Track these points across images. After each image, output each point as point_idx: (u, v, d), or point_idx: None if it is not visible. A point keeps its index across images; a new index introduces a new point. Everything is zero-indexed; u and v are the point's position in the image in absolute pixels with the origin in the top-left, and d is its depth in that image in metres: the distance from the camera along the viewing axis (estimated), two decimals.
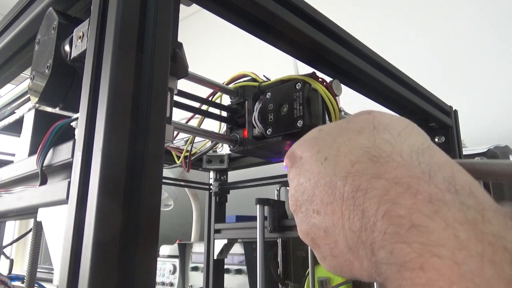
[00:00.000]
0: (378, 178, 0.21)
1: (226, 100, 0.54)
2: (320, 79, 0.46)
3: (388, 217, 0.19)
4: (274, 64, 0.96)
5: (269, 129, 0.46)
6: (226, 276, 1.07)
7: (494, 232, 0.17)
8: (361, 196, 0.21)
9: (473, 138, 1.04)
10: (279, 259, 1.05)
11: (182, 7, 0.35)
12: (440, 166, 0.20)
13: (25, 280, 0.52)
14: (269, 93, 0.47)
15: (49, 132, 0.35)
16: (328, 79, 0.48)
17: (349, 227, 0.22)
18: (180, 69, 0.33)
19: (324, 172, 0.24)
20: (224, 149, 0.94)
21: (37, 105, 0.44)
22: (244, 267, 1.09)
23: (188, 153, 0.58)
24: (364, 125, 0.25)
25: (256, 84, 0.50)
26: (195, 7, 0.38)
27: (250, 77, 0.52)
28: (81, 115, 0.27)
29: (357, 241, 0.21)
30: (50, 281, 1.13)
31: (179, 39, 0.33)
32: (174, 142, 0.63)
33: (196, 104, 0.51)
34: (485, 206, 0.18)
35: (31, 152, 0.43)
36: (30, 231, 0.52)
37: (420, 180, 0.20)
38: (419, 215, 0.18)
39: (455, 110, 0.77)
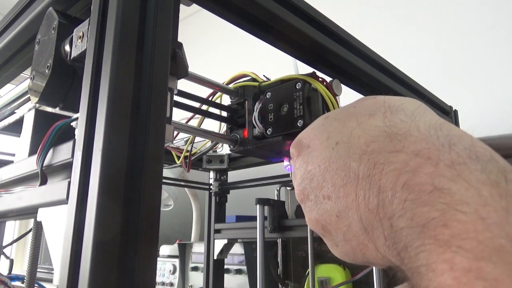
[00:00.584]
0: (396, 153, 0.21)
1: (226, 100, 0.54)
2: (320, 79, 0.46)
3: (408, 187, 0.19)
4: (274, 64, 0.96)
5: (269, 129, 0.46)
6: (226, 276, 1.07)
7: None
8: (378, 173, 0.21)
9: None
10: (279, 259, 1.05)
11: (182, 7, 0.35)
12: (460, 137, 0.20)
13: (25, 280, 0.52)
14: (269, 93, 0.47)
15: (49, 132, 0.35)
16: (328, 79, 0.48)
17: (365, 206, 0.21)
18: (180, 69, 0.33)
19: (336, 156, 0.24)
20: (224, 149, 0.94)
21: (37, 105, 0.44)
22: (244, 267, 1.09)
23: (188, 153, 0.58)
24: (374, 109, 0.25)
25: (256, 84, 0.50)
26: (195, 7, 0.38)
27: (250, 77, 0.52)
28: (81, 115, 0.27)
29: (373, 219, 0.21)
30: (50, 281, 1.13)
31: (179, 39, 0.33)
32: (174, 142, 0.63)
33: (196, 104, 0.51)
34: (507, 169, 0.18)
35: (31, 152, 0.43)
36: (30, 231, 0.52)
37: (440, 151, 0.19)
38: (441, 179, 0.18)
39: (455, 110, 0.77)
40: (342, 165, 0.23)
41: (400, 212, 0.19)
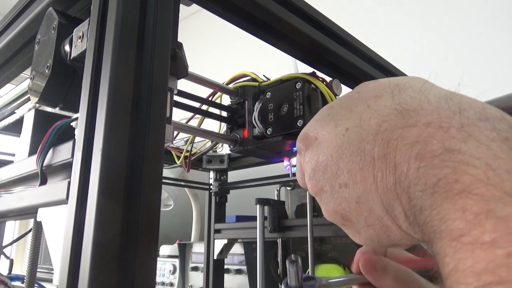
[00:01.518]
0: (409, 127, 0.20)
1: (226, 100, 0.54)
2: (320, 79, 0.46)
3: (420, 155, 0.19)
4: (274, 63, 0.96)
5: (269, 129, 0.46)
6: (226, 276, 1.07)
7: None
8: (392, 150, 0.21)
9: None
10: (279, 259, 1.05)
11: (182, 7, 0.35)
12: (470, 104, 0.20)
13: (25, 280, 0.52)
14: (269, 93, 0.47)
15: (49, 132, 0.35)
16: (327, 79, 0.48)
17: (383, 186, 0.21)
18: (180, 69, 0.33)
19: (348, 142, 0.23)
20: (224, 149, 0.94)
21: (37, 105, 0.44)
22: (244, 267, 1.09)
23: (188, 153, 0.58)
24: (380, 90, 0.24)
25: (256, 84, 0.50)
26: (195, 7, 0.38)
27: (250, 77, 0.52)
28: (81, 115, 0.27)
29: (393, 198, 0.21)
30: (50, 281, 1.13)
31: (179, 39, 0.33)
32: (174, 142, 0.63)
33: (196, 104, 0.51)
34: None
35: (31, 152, 0.43)
36: (30, 231, 0.52)
37: (451, 118, 0.19)
38: (451, 140, 0.18)
39: None
40: (356, 150, 0.23)
41: (414, 181, 0.19)
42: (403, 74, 0.62)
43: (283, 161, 0.54)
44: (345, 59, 0.49)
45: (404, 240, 0.23)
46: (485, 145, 0.17)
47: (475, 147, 0.18)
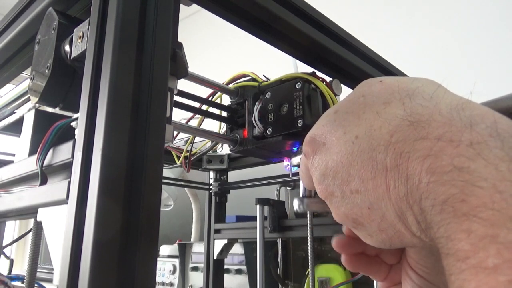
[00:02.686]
0: (421, 140, 0.21)
1: (226, 100, 0.54)
2: (320, 79, 0.46)
3: (430, 170, 0.19)
4: (274, 63, 0.96)
5: (269, 129, 0.46)
6: (226, 276, 1.07)
7: None
8: (405, 162, 0.21)
9: None
10: (279, 259, 1.05)
11: (182, 7, 0.35)
12: (482, 116, 0.20)
13: (25, 280, 0.52)
14: (269, 93, 0.47)
15: (49, 132, 0.35)
16: (327, 79, 0.48)
17: (396, 195, 0.21)
18: (180, 69, 0.33)
19: (358, 150, 0.23)
20: (224, 149, 0.94)
21: (37, 105, 0.44)
22: (244, 267, 1.09)
23: (188, 153, 0.58)
24: (388, 95, 0.24)
25: (256, 84, 0.50)
26: (195, 7, 0.38)
27: (250, 77, 0.52)
28: (81, 115, 0.27)
29: (405, 207, 0.21)
30: (50, 281, 1.13)
31: (179, 39, 0.33)
32: (174, 142, 0.63)
33: (196, 104, 0.51)
34: None
35: (31, 152, 0.43)
36: (30, 231, 0.52)
37: (462, 132, 0.20)
38: (460, 158, 0.19)
39: None
40: (368, 158, 0.23)
41: (425, 195, 0.20)
42: (403, 74, 0.62)
43: (283, 161, 0.54)
44: (345, 59, 0.49)
45: (418, 243, 0.23)
46: (493, 165, 0.18)
47: (483, 166, 0.18)
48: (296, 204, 0.35)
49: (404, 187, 0.21)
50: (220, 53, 2.08)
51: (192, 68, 0.38)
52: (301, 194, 0.33)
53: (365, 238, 0.26)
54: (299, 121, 0.43)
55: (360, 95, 0.26)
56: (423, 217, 0.20)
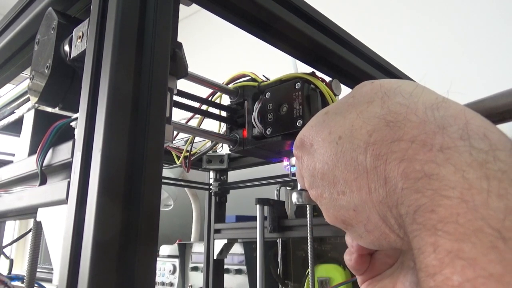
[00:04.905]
0: (397, 141, 0.21)
1: (225, 100, 0.54)
2: (320, 79, 0.46)
3: (405, 175, 0.20)
4: (274, 63, 0.96)
5: (269, 129, 0.46)
6: (226, 276, 1.07)
7: (503, 169, 0.17)
8: (382, 164, 0.21)
9: None
10: (279, 259, 1.05)
11: (181, 7, 0.35)
12: (456, 117, 0.20)
13: (25, 280, 0.52)
14: (269, 93, 0.47)
15: (48, 132, 0.35)
16: (327, 79, 0.48)
17: (377, 198, 0.22)
18: (180, 69, 0.33)
19: (341, 151, 0.23)
20: (224, 149, 0.94)
21: (36, 105, 0.44)
22: (244, 267, 1.09)
23: (188, 153, 0.58)
24: (372, 95, 0.24)
25: (255, 84, 0.50)
26: (194, 7, 0.38)
27: (249, 77, 0.52)
28: (81, 115, 0.27)
29: (386, 210, 0.21)
30: (50, 281, 1.13)
31: (179, 39, 0.33)
32: (174, 142, 0.63)
33: (196, 104, 0.51)
34: (499, 146, 0.18)
35: (31, 152, 0.43)
36: (29, 231, 0.52)
37: (435, 135, 0.20)
38: (431, 165, 0.19)
39: None
40: (350, 160, 0.23)
41: (400, 200, 0.20)
42: (403, 74, 0.62)
43: (282, 161, 0.54)
44: (345, 59, 0.49)
45: (406, 245, 0.23)
46: (461, 171, 0.18)
47: (452, 173, 0.18)
48: (294, 197, 0.35)
49: (383, 190, 0.21)
50: (220, 53, 2.08)
51: (192, 68, 0.38)
52: (299, 187, 0.33)
53: (357, 239, 0.26)
54: (298, 121, 0.43)
55: (350, 96, 0.26)
56: (402, 221, 0.20)
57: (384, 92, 0.24)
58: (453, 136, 0.19)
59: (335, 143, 0.24)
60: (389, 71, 0.58)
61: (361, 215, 0.23)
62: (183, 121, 0.53)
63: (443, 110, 0.21)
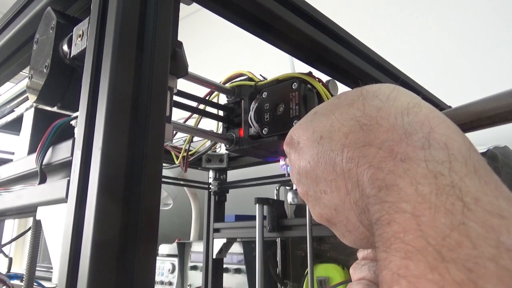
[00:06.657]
0: (368, 146, 0.21)
1: (223, 99, 0.54)
2: (316, 79, 0.46)
3: (371, 182, 0.20)
4: (272, 62, 0.96)
5: (265, 129, 0.46)
6: (225, 275, 1.07)
7: (454, 183, 0.17)
8: (355, 167, 0.21)
9: (472, 138, 1.04)
10: (278, 258, 1.05)
11: (182, 6, 0.35)
12: (422, 123, 0.20)
13: (24, 279, 0.52)
14: (265, 93, 0.48)
15: (48, 131, 0.35)
16: (324, 79, 0.48)
17: (353, 199, 0.22)
18: (180, 68, 0.34)
19: (322, 151, 0.24)
20: (223, 149, 0.94)
21: (35, 104, 0.44)
22: (243, 267, 1.09)
23: (186, 153, 0.58)
24: (354, 97, 0.25)
25: (252, 83, 0.50)
26: (195, 6, 0.38)
27: (246, 77, 0.52)
28: (81, 114, 0.27)
29: (360, 211, 0.22)
30: (49, 279, 1.13)
31: (179, 38, 0.33)
32: (174, 141, 0.63)
33: (193, 103, 0.51)
34: (457, 157, 0.18)
35: (31, 151, 0.43)
36: (29, 229, 0.52)
37: (400, 143, 0.20)
38: (392, 176, 0.19)
39: None
40: (329, 160, 0.23)
41: (367, 207, 0.20)
42: (402, 74, 0.62)
43: (279, 161, 0.54)
44: (345, 59, 0.49)
45: None
46: (417, 184, 0.18)
47: (408, 185, 0.18)
48: (290, 197, 0.35)
49: (357, 193, 0.21)
50: (220, 52, 2.08)
51: (192, 67, 0.38)
52: (295, 187, 0.33)
53: (341, 237, 0.26)
54: (295, 121, 0.43)
55: (336, 98, 0.27)
56: (371, 228, 0.20)
57: (364, 95, 0.24)
58: (415, 145, 0.19)
59: (317, 142, 0.25)
60: (389, 71, 0.58)
61: (341, 215, 0.24)
62: (181, 121, 0.53)
63: (413, 115, 0.21)
